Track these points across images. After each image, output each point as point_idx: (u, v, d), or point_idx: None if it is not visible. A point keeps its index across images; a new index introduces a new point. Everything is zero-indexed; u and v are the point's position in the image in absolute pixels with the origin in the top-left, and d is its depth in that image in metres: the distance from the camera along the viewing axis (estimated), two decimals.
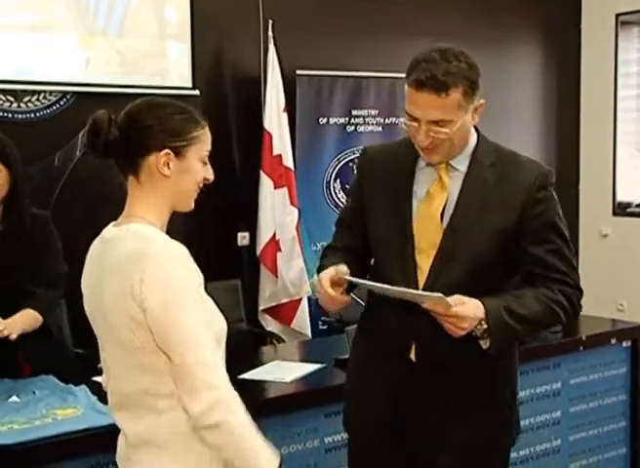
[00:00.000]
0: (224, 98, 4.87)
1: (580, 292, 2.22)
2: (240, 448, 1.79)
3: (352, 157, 5.16)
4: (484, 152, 2.21)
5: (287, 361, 3.25)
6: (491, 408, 2.24)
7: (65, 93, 4.32)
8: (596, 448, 3.74)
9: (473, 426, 2.21)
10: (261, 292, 4.79)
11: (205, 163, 1.95)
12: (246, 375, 3.00)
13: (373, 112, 5.21)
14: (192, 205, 1.95)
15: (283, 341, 4.50)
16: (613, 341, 3.73)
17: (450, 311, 2.04)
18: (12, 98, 4.19)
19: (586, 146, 6.47)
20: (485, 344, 2.11)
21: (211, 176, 1.96)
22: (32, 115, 4.23)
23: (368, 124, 5.22)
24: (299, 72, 4.92)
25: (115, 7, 4.40)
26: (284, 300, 4.82)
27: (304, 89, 4.96)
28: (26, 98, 4.23)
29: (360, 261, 2.34)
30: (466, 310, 2.05)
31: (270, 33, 4.81)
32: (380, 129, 5.24)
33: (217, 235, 4.72)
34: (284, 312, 4.84)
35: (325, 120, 5.06)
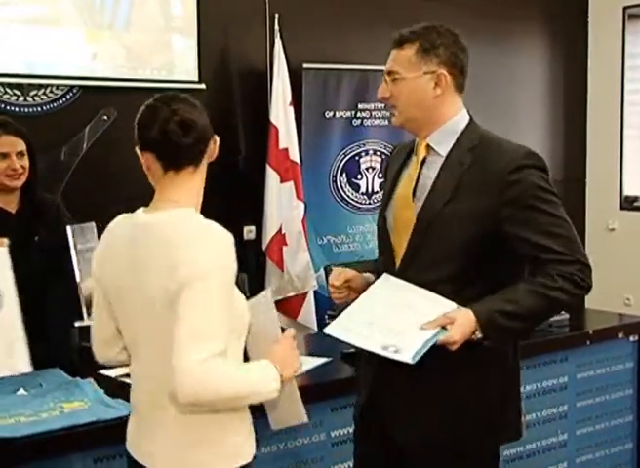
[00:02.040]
0: (230, 92, 4.87)
1: (583, 264, 2.10)
2: (231, 399, 1.84)
3: (358, 151, 5.16)
4: (468, 137, 2.24)
5: None
6: (470, 408, 2.20)
7: (72, 87, 4.32)
8: (603, 443, 3.73)
9: (446, 425, 2.20)
10: (267, 286, 4.79)
11: None
12: None
13: (379, 106, 5.20)
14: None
15: None
16: (620, 336, 3.72)
17: (442, 341, 2.04)
18: (18, 92, 4.19)
19: (593, 140, 6.45)
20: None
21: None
22: (39, 109, 4.23)
23: (374, 118, 5.21)
24: (305, 66, 4.91)
25: (121, 1, 4.40)
26: (290, 294, 4.83)
27: (311, 83, 4.96)
28: (33, 92, 4.23)
29: None
30: (456, 335, 2.04)
31: (276, 27, 4.80)
32: (387, 122, 5.22)
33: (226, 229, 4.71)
34: (290, 306, 4.84)
35: (331, 114, 5.06)
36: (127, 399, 2.16)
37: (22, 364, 2.60)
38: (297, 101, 4.86)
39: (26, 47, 4.16)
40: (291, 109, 4.80)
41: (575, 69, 6.36)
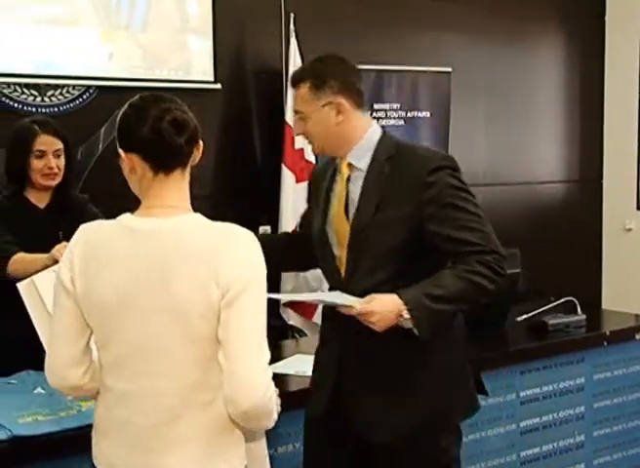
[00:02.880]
0: (246, 92, 4.87)
1: (499, 254, 2.29)
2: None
3: None
4: (384, 149, 2.39)
5: (308, 354, 3.24)
6: (414, 393, 2.35)
7: (88, 87, 4.34)
8: (620, 445, 3.71)
9: (393, 410, 2.35)
10: (283, 286, 4.79)
11: None
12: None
13: (394, 106, 5.19)
14: None
15: (304, 335, 4.50)
16: (637, 336, 3.70)
17: (358, 310, 2.23)
18: (35, 92, 4.21)
19: (610, 140, 6.41)
20: (417, 332, 2.25)
21: None
22: (55, 109, 4.24)
23: (390, 118, 5.20)
24: None
25: (138, 1, 4.41)
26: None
27: None
28: (49, 92, 4.25)
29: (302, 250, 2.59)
30: (371, 306, 2.23)
31: (292, 27, 4.80)
32: (402, 122, 5.22)
33: None
34: (305, 306, 4.84)
35: None
36: None
37: None
38: None
39: (43, 47, 4.18)
40: None
41: (591, 69, 6.33)
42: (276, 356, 3.21)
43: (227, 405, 1.80)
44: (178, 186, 1.89)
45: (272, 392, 1.81)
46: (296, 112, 2.42)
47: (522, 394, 3.44)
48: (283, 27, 4.84)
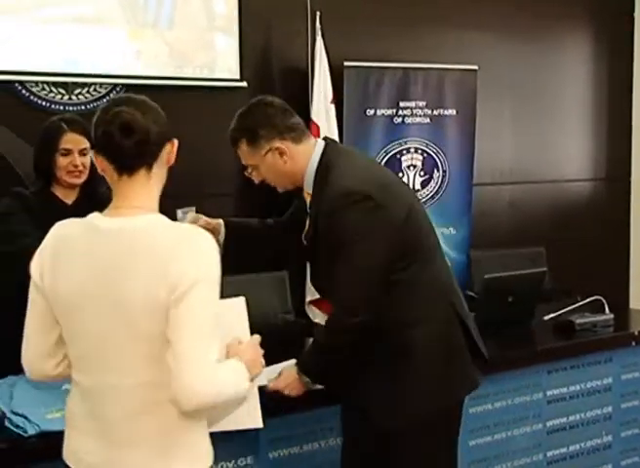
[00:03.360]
0: (272, 90, 4.86)
1: (345, 313, 2.45)
2: (224, 401, 1.90)
3: (399, 149, 5.14)
4: (320, 178, 2.54)
5: None
6: (365, 395, 2.53)
7: (115, 85, 4.36)
8: None
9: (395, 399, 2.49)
10: (308, 284, 4.79)
11: None
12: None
13: (420, 104, 5.17)
14: None
15: None
16: None
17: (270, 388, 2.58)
18: (63, 91, 4.24)
19: (638, 138, 6.35)
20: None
21: None
22: (82, 107, 4.26)
23: (415, 116, 5.18)
24: (346, 64, 4.90)
25: None
26: None
27: (352, 80, 4.94)
28: (77, 91, 4.27)
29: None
30: (277, 383, 2.60)
31: (318, 25, 4.79)
32: (428, 120, 5.20)
33: None
34: (327, 303, 4.83)
35: (372, 112, 5.04)
36: None
37: None
38: (338, 99, 4.85)
39: (71, 46, 4.20)
40: (332, 107, 4.79)
41: (620, 67, 6.27)
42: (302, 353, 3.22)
43: (174, 404, 1.82)
44: (143, 187, 1.93)
45: (220, 387, 1.82)
46: (247, 166, 2.61)
47: (549, 393, 3.43)
48: (309, 26, 4.84)
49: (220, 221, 2.83)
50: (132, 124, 1.87)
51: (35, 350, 1.97)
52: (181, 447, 1.88)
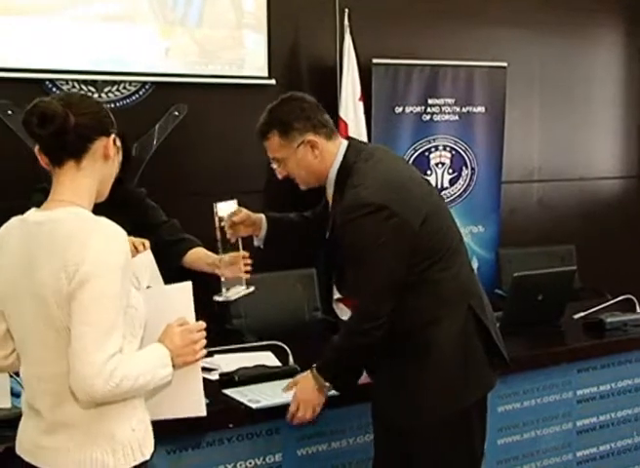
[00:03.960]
0: (300, 88, 4.85)
1: (362, 317, 2.47)
2: (132, 391, 1.87)
3: (428, 146, 5.12)
4: (340, 181, 2.54)
5: None
6: (383, 394, 2.56)
7: (144, 83, 4.38)
8: None
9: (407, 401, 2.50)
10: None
11: None
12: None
13: (449, 101, 5.15)
14: (108, 193, 2.05)
15: None
16: None
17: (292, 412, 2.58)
18: (92, 89, 4.26)
19: None
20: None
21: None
22: (112, 105, 4.29)
23: (444, 113, 5.16)
24: (374, 61, 4.88)
25: None
26: None
27: (380, 77, 4.93)
28: (107, 89, 4.30)
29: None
30: (293, 404, 2.58)
31: (346, 22, 4.79)
32: (457, 118, 5.18)
33: None
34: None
35: (401, 109, 5.02)
36: None
37: None
38: (366, 97, 4.84)
39: (100, 44, 4.23)
40: (360, 104, 4.78)
41: None
42: None
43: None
44: (72, 180, 1.93)
45: (118, 379, 1.80)
46: (274, 160, 2.59)
47: (579, 392, 3.40)
48: (337, 23, 4.83)
49: (262, 216, 2.83)
50: (47, 114, 1.87)
51: None
52: (102, 436, 1.90)
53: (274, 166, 2.62)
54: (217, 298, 2.68)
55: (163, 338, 1.99)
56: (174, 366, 1.97)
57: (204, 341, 2.06)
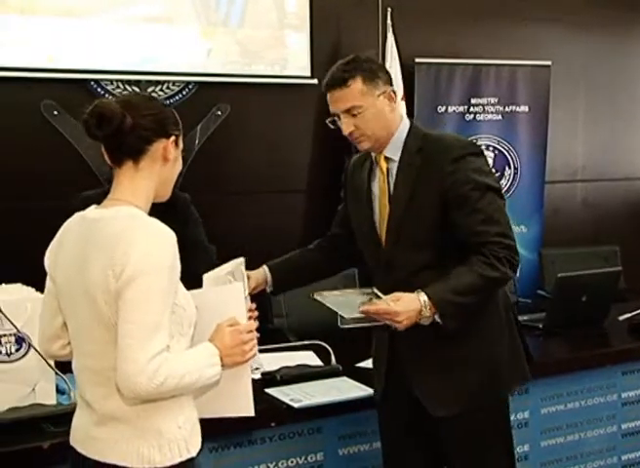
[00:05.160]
0: None
1: (511, 247, 2.36)
2: (177, 389, 1.87)
3: None
4: (413, 140, 2.47)
5: None
6: (470, 365, 2.44)
7: (187, 83, 4.41)
8: None
9: (457, 383, 2.44)
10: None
11: None
12: (362, 364, 3.00)
13: (492, 100, 5.12)
14: (170, 194, 2.07)
15: None
16: None
17: (382, 309, 2.32)
18: (136, 89, 4.30)
19: None
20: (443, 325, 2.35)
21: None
22: None
23: (487, 112, 5.13)
24: (417, 60, 4.87)
25: None
26: None
27: (423, 77, 4.92)
28: (150, 89, 4.33)
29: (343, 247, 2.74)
30: (397, 306, 2.32)
31: (389, 21, 4.78)
32: (500, 117, 5.14)
33: None
34: None
35: (444, 108, 5.00)
36: None
37: None
38: (409, 96, 4.83)
39: (144, 44, 4.27)
40: (403, 104, 4.76)
41: None
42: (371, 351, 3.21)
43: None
44: (130, 181, 1.96)
45: (163, 378, 1.81)
46: (347, 111, 2.42)
47: (624, 395, 3.37)
48: (380, 22, 4.83)
49: (262, 270, 2.67)
50: (105, 115, 1.90)
51: (43, 333, 2.10)
52: (149, 431, 1.92)
53: (341, 118, 2.44)
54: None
55: (213, 338, 2.00)
56: (223, 366, 1.97)
57: (254, 342, 2.06)
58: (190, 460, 1.96)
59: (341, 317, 2.41)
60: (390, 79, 2.49)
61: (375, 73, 2.44)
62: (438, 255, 2.43)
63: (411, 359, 2.49)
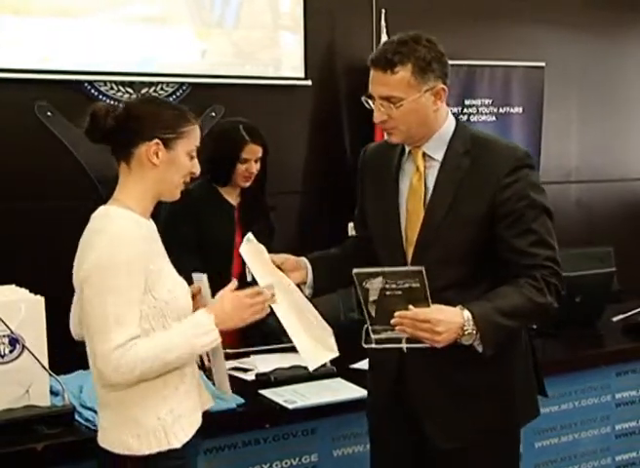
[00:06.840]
0: (336, 89, 4.87)
1: (557, 275, 2.16)
2: (155, 370, 1.94)
3: None
4: (460, 140, 2.25)
5: None
6: (485, 396, 2.24)
7: (182, 84, 4.40)
8: None
9: (469, 413, 2.24)
10: None
11: (192, 157, 2.07)
12: (356, 365, 2.99)
13: (486, 101, 5.13)
14: (178, 195, 2.08)
15: None
16: None
17: (422, 315, 2.04)
18: (130, 90, 4.29)
19: None
20: (479, 348, 2.12)
21: (197, 170, 2.08)
22: None
23: (481, 114, 5.14)
24: None
25: None
26: None
27: None
28: (144, 90, 4.32)
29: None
30: (440, 314, 2.06)
31: (383, 22, 4.78)
32: (494, 118, 5.15)
33: (330, 226, 4.72)
34: None
35: None
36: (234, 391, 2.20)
37: None
38: None
39: (138, 45, 4.26)
40: None
41: None
42: (365, 352, 3.20)
43: None
44: (124, 181, 2.05)
45: (127, 368, 1.88)
46: (387, 99, 2.17)
47: (618, 396, 3.37)
48: (374, 23, 4.83)
49: (304, 259, 2.43)
50: (92, 116, 2.00)
51: (74, 316, 2.18)
52: (129, 420, 1.99)
53: (376, 103, 2.21)
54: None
55: (214, 304, 2.05)
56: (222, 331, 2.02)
57: (260, 306, 2.11)
58: (172, 451, 1.99)
59: (367, 336, 2.21)
60: (445, 73, 2.20)
61: (429, 64, 2.15)
62: (470, 273, 2.21)
63: (421, 388, 2.26)
